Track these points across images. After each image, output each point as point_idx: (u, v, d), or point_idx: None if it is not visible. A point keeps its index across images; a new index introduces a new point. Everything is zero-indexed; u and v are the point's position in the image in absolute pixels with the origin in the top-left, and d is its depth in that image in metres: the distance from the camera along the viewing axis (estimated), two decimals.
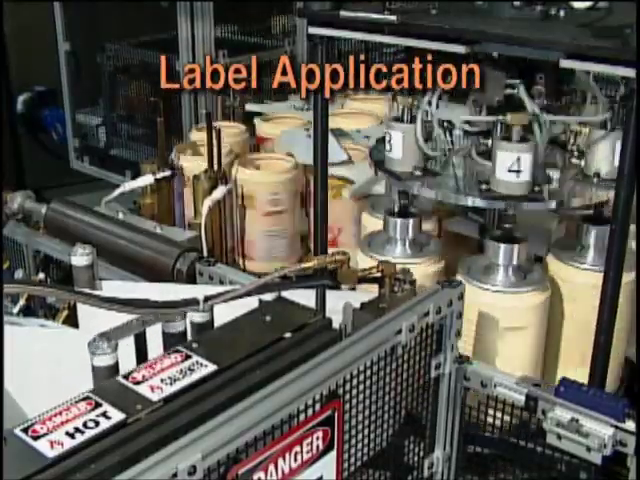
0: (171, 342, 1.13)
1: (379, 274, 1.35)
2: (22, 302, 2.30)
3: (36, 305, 2.34)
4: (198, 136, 2.49)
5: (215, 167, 2.10)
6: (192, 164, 2.27)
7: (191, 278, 1.75)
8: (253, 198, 2.24)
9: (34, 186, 2.53)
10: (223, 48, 3.48)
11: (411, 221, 1.77)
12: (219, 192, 2.08)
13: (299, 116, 2.72)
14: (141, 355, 1.15)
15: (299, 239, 2.43)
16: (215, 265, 1.70)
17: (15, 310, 2.30)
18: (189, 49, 3.36)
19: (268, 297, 1.24)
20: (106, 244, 1.90)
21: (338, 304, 1.33)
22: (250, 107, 2.95)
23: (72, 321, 2.08)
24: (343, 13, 1.56)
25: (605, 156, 1.64)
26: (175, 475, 0.83)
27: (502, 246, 1.63)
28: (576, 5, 1.60)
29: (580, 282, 1.71)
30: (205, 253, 1.98)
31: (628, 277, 1.62)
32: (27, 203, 2.34)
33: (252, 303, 1.22)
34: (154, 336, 1.18)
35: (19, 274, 2.39)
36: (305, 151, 2.25)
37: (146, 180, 2.30)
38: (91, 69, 4.11)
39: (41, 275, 2.35)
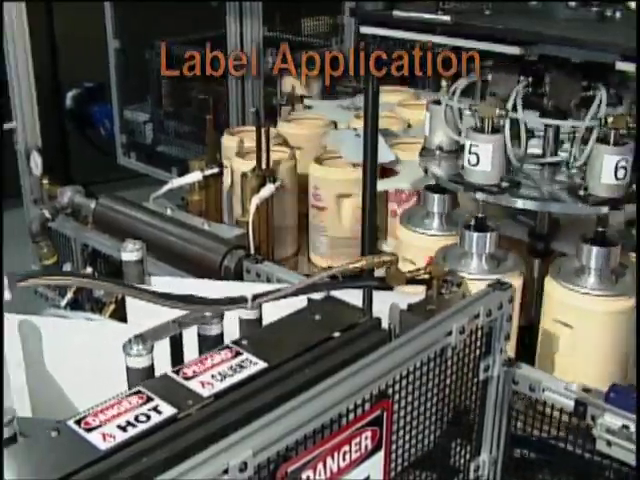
0: (207, 345, 1.13)
1: (427, 276, 1.35)
2: (70, 295, 2.33)
3: (83, 299, 2.37)
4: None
5: (263, 165, 2.11)
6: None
7: (238, 275, 1.77)
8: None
9: (81, 181, 2.55)
10: (271, 47, 3.49)
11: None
12: (267, 190, 2.08)
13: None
14: (177, 358, 1.15)
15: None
16: (262, 263, 1.71)
17: (63, 303, 2.33)
18: (237, 48, 3.37)
19: (317, 296, 1.24)
20: (154, 240, 1.91)
21: (381, 305, 1.33)
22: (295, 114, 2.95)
23: (118, 315, 2.11)
24: (396, 13, 1.55)
25: None
26: (226, 471, 0.83)
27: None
28: (633, 6, 1.58)
29: None
30: (252, 251, 1.98)
31: None
32: (76, 198, 2.36)
33: (296, 301, 1.23)
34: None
35: (67, 268, 2.41)
36: (353, 150, 2.25)
37: (194, 177, 2.31)
38: (139, 66, 4.14)
39: (89, 269, 2.37)
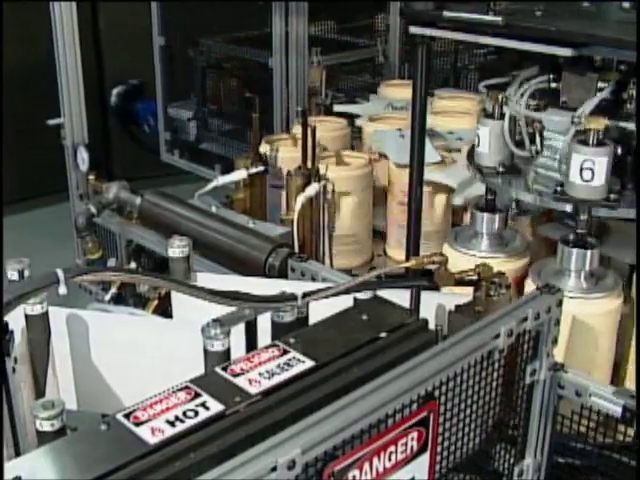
0: (281, 332, 1.14)
1: (476, 277, 1.34)
2: (113, 290, 2.35)
3: (127, 294, 2.39)
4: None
5: (309, 164, 2.11)
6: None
7: (283, 273, 1.77)
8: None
9: (123, 177, 2.57)
10: (316, 46, 3.49)
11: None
12: (312, 189, 2.08)
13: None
14: (251, 343, 1.16)
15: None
16: (307, 262, 1.72)
17: (107, 297, 2.35)
18: (282, 47, 3.38)
19: (364, 295, 1.24)
20: (199, 237, 1.92)
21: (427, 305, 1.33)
22: (338, 108, 2.95)
23: (161, 310, 2.12)
24: (446, 13, 1.54)
25: None
26: (274, 469, 0.83)
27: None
28: None
29: None
30: (296, 249, 1.99)
31: None
32: (122, 193, 2.38)
33: (339, 300, 1.22)
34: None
35: (112, 263, 2.43)
36: (397, 151, 2.24)
37: (239, 175, 2.32)
38: (184, 64, 4.16)
39: (133, 264, 2.39)
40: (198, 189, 2.42)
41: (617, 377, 1.72)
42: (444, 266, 1.29)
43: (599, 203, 1.57)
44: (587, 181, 1.54)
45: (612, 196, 1.57)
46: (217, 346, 1.12)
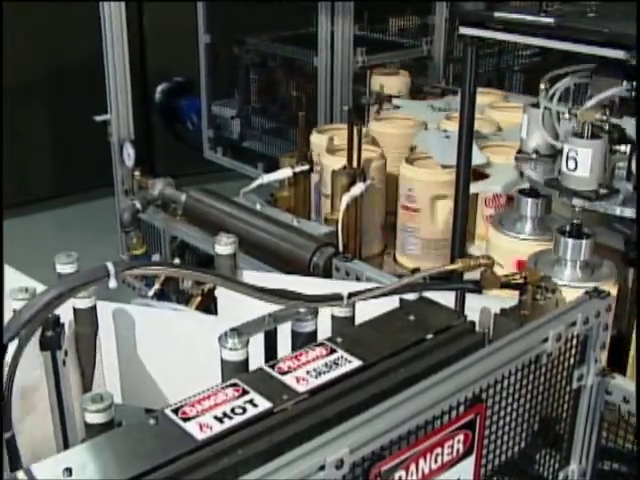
0: (300, 342, 1.14)
1: (522, 281, 1.33)
2: (157, 286, 2.37)
3: (170, 290, 2.41)
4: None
5: (354, 163, 2.11)
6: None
7: (327, 273, 1.77)
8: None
9: (165, 173, 2.59)
10: (361, 46, 3.49)
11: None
12: (358, 188, 2.08)
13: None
14: (271, 353, 1.16)
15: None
16: (352, 261, 1.72)
17: (150, 293, 2.37)
18: (328, 47, 3.38)
19: (410, 296, 1.24)
20: (243, 234, 1.93)
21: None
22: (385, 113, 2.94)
23: (204, 307, 2.13)
24: (498, 14, 1.53)
25: None
26: (322, 468, 0.83)
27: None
28: None
29: None
30: (341, 249, 1.98)
31: None
32: (167, 190, 2.40)
33: (383, 301, 1.22)
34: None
35: (155, 259, 2.45)
36: (442, 152, 2.23)
37: (284, 173, 2.32)
38: (228, 62, 4.18)
39: (176, 261, 2.41)
40: (240, 187, 2.44)
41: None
42: (490, 269, 1.28)
43: (580, 193, 1.59)
44: (571, 170, 1.57)
45: (602, 190, 1.59)
46: (234, 356, 1.11)
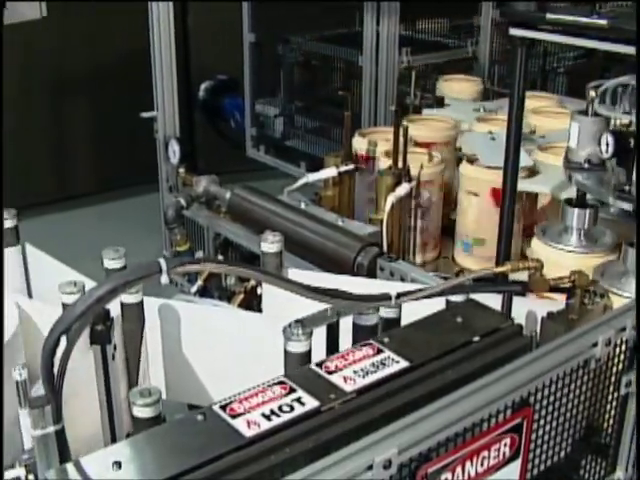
0: (362, 335, 1.14)
1: (570, 284, 1.32)
2: (200, 282, 2.38)
3: (212, 287, 2.42)
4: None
5: (400, 164, 2.10)
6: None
7: (371, 273, 1.77)
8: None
9: (206, 171, 2.60)
10: (406, 46, 3.48)
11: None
12: (403, 189, 2.07)
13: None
14: (333, 345, 1.16)
15: None
16: (397, 262, 1.71)
17: (193, 290, 2.38)
18: (373, 46, 3.37)
19: (457, 298, 1.23)
20: (287, 232, 1.93)
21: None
22: (428, 112, 2.93)
23: (247, 305, 2.14)
24: (550, 16, 1.52)
25: None
26: (370, 468, 0.83)
27: (575, 210, 1.77)
28: None
29: None
30: (385, 249, 1.98)
31: None
32: (212, 187, 2.41)
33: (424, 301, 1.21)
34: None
35: (199, 256, 2.47)
36: (488, 154, 2.22)
37: (329, 173, 2.32)
38: (272, 60, 4.19)
39: (220, 258, 2.42)
40: (281, 185, 2.44)
41: None
42: (539, 272, 1.28)
43: (568, 165, 1.76)
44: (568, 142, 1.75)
45: (586, 165, 1.73)
46: (298, 347, 1.12)
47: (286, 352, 1.11)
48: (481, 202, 2.18)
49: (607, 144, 1.58)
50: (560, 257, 1.76)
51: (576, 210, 1.78)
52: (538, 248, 1.81)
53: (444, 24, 3.99)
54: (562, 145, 1.89)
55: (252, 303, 2.13)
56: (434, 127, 2.59)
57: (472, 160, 2.21)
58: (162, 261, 0.91)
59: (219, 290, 2.37)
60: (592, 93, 1.70)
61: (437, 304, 1.23)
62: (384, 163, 2.22)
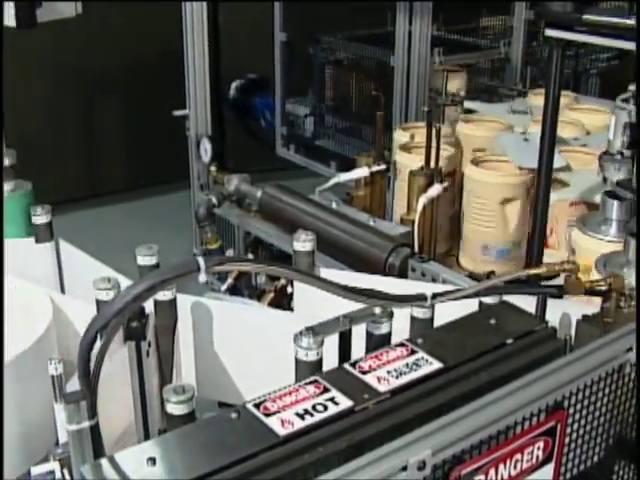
0: (375, 344, 1.13)
1: (606, 287, 1.31)
2: (230, 281, 2.39)
3: (242, 285, 2.43)
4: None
5: (432, 164, 2.10)
6: (408, 160, 2.27)
7: (402, 273, 1.77)
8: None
9: (235, 169, 2.61)
10: (438, 46, 3.47)
11: (625, 203, 1.79)
12: (435, 190, 2.07)
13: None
14: (345, 354, 1.15)
15: None
16: (428, 262, 1.71)
17: (223, 288, 2.39)
18: (405, 47, 3.37)
19: (491, 300, 1.23)
20: (319, 232, 1.93)
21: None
22: (469, 104, 2.93)
23: (276, 303, 2.14)
24: (586, 17, 1.51)
25: None
26: (404, 468, 0.83)
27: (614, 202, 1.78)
28: None
29: None
30: (416, 249, 1.98)
31: None
32: (243, 186, 2.42)
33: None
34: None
35: (229, 254, 2.47)
36: (521, 155, 2.21)
37: (361, 172, 2.32)
38: (302, 60, 4.19)
39: (250, 256, 2.42)
40: (310, 184, 2.45)
41: None
42: (575, 275, 1.27)
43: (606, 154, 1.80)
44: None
45: (618, 156, 1.78)
46: (309, 356, 1.11)
47: (296, 360, 1.11)
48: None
49: (626, 136, 1.61)
50: (600, 247, 1.76)
51: (615, 202, 1.79)
52: (578, 238, 1.81)
53: (476, 24, 3.98)
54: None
55: (282, 302, 2.14)
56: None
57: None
58: (200, 259, 0.91)
59: (249, 289, 2.38)
60: (631, 87, 1.70)
61: (465, 305, 1.23)
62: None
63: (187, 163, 2.91)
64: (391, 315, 1.18)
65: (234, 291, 2.39)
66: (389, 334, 1.17)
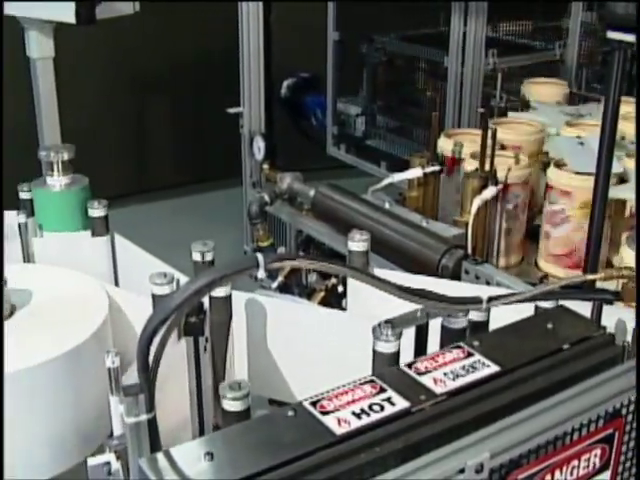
0: (450, 338, 1.13)
1: None
2: (280, 279, 2.40)
3: (292, 283, 2.43)
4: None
5: (487, 166, 2.09)
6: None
7: (455, 275, 1.76)
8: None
9: (285, 168, 2.61)
10: (492, 48, 3.45)
11: None
12: (490, 192, 2.06)
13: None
14: (421, 348, 1.15)
15: None
16: (482, 265, 1.70)
17: (273, 285, 2.40)
18: (459, 47, 3.35)
19: (547, 304, 1.22)
20: (371, 232, 1.93)
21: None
22: (513, 114, 2.89)
23: (326, 302, 2.14)
24: None
25: None
26: (462, 471, 0.83)
27: None
28: None
29: None
30: (469, 252, 1.97)
31: None
32: (295, 184, 2.43)
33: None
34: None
35: (281, 252, 2.48)
36: (577, 159, 2.19)
37: (415, 173, 2.31)
38: (355, 59, 4.19)
39: (301, 255, 2.43)
40: (359, 184, 2.44)
41: None
42: (632, 281, 1.25)
43: None
44: None
45: None
46: (387, 348, 1.12)
47: (374, 352, 1.11)
48: None
49: None
50: None
51: None
52: (627, 255, 1.78)
53: (531, 26, 3.94)
54: None
55: (332, 301, 2.14)
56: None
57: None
58: (259, 255, 0.91)
59: (299, 287, 2.39)
60: None
61: (517, 309, 1.22)
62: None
63: (234, 160, 2.93)
64: (467, 311, 1.17)
65: (284, 289, 2.40)
66: (465, 329, 1.17)
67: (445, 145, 2.41)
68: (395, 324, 1.10)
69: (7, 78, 2.66)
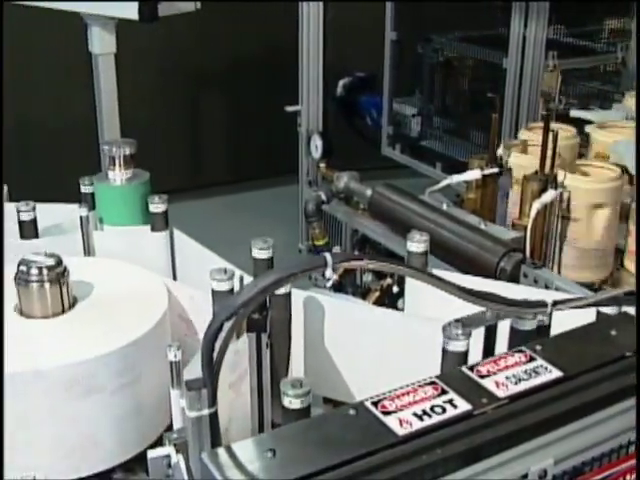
0: (518, 340, 1.12)
1: None
2: (335, 277, 2.40)
3: (346, 282, 2.43)
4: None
5: (547, 170, 2.07)
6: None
7: (513, 278, 1.75)
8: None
9: (339, 167, 2.61)
10: (553, 49, 3.42)
11: None
12: (549, 195, 2.04)
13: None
14: (489, 348, 1.15)
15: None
16: (541, 269, 1.68)
17: (328, 284, 2.40)
18: (519, 49, 3.32)
19: (610, 310, 1.20)
20: (429, 233, 1.92)
21: None
22: (576, 113, 2.86)
23: (381, 302, 2.14)
24: None
25: None
26: (525, 476, 0.83)
27: None
28: None
29: None
30: (528, 255, 1.95)
31: None
32: (352, 184, 2.43)
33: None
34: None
35: (337, 251, 2.48)
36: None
37: (474, 175, 2.30)
38: (411, 59, 4.18)
39: (368, 255, 2.43)
40: (413, 184, 2.44)
41: None
42: None
43: None
44: None
45: None
46: (457, 347, 1.12)
47: (444, 351, 1.11)
48: None
49: None
50: None
51: None
52: None
53: (593, 27, 3.89)
54: None
55: (386, 301, 2.14)
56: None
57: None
58: (327, 255, 0.92)
59: (353, 286, 2.39)
60: None
61: (573, 313, 1.21)
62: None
63: (287, 158, 2.93)
64: (535, 314, 1.16)
65: (337, 288, 2.40)
66: (534, 331, 1.16)
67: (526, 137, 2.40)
68: (465, 323, 1.10)
69: (70, 74, 2.71)
